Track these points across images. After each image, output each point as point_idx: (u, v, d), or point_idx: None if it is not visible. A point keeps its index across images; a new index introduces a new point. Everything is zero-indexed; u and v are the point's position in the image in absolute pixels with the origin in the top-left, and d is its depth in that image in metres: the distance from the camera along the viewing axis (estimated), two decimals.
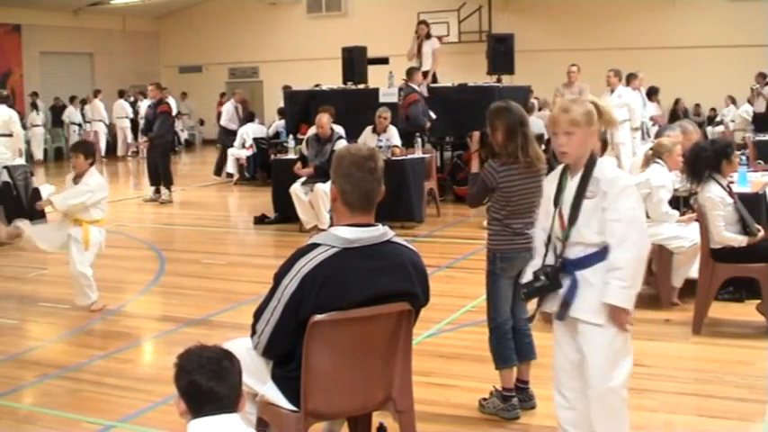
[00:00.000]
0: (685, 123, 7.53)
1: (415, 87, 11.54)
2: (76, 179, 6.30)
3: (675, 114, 17.18)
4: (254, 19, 23.49)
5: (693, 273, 5.90)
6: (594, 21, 19.25)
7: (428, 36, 12.67)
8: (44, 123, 19.88)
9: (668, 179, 6.15)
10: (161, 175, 12.49)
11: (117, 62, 23.58)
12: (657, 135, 7.91)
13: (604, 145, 9.44)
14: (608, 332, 3.27)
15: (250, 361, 2.98)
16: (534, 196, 4.04)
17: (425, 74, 12.47)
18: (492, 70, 13.08)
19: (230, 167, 15.14)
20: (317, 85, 13.87)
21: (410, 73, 11.83)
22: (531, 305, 3.48)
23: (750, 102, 15.60)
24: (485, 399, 4.22)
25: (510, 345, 4.13)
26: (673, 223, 6.14)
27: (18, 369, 5.11)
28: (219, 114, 17.35)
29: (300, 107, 12.96)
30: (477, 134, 4.27)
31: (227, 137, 15.77)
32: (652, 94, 12.68)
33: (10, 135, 10.19)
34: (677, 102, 18.00)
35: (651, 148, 6.32)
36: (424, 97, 11.47)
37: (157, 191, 12.49)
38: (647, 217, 6.12)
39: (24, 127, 14.48)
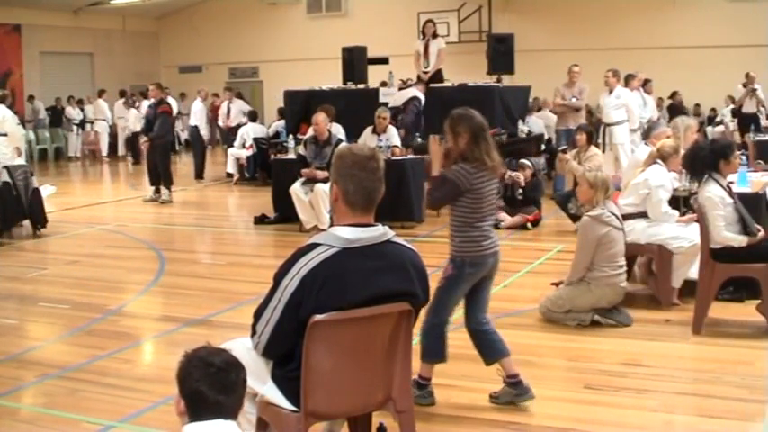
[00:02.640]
0: (679, 120, 7.53)
1: (416, 93, 11.53)
2: None
3: (674, 108, 17.16)
4: (254, 19, 23.49)
5: (693, 273, 5.90)
6: (594, 21, 19.25)
7: (434, 35, 12.67)
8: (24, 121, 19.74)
9: (667, 179, 6.16)
10: (161, 175, 12.49)
11: (117, 62, 23.57)
12: (648, 131, 7.91)
13: (589, 136, 9.48)
14: None
15: (250, 361, 2.97)
16: (494, 199, 4.24)
17: (436, 73, 12.47)
18: (492, 70, 13.08)
19: (230, 167, 15.13)
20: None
21: (417, 82, 11.87)
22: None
23: (740, 101, 15.59)
24: (494, 393, 4.29)
25: (441, 343, 4.22)
26: (673, 223, 6.14)
27: (18, 369, 5.10)
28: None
29: (300, 107, 12.97)
30: (434, 138, 4.28)
31: (198, 138, 15.59)
32: (644, 85, 12.68)
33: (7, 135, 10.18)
34: (674, 94, 17.95)
35: (657, 150, 6.30)
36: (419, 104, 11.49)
37: (157, 191, 12.49)
38: (647, 217, 6.15)
39: (24, 126, 14.44)
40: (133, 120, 18.86)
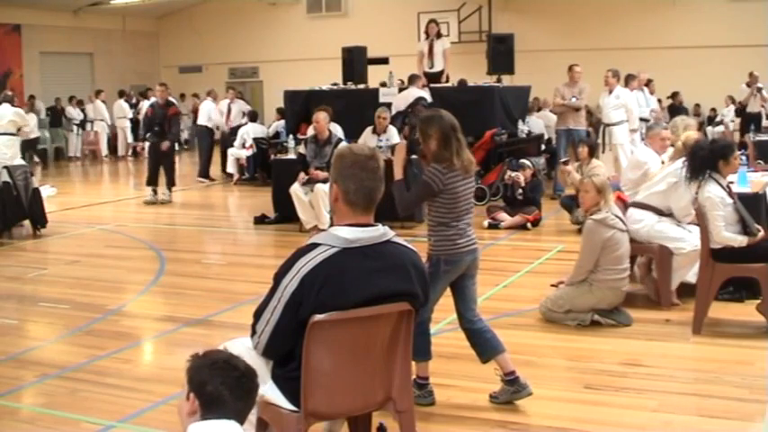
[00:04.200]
0: (678, 120, 7.51)
1: (421, 93, 11.48)
2: None
3: (674, 108, 17.16)
4: (254, 19, 23.50)
5: (691, 277, 5.89)
6: (594, 21, 19.26)
7: (438, 35, 12.65)
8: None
9: None
10: (166, 176, 12.45)
11: (117, 62, 23.58)
12: (648, 131, 7.90)
13: (591, 149, 9.45)
14: None
15: (250, 361, 2.96)
16: (471, 198, 4.24)
17: (441, 74, 12.44)
18: (492, 70, 13.08)
19: (230, 167, 15.12)
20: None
21: (412, 79, 11.80)
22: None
23: (745, 101, 15.58)
24: (494, 393, 4.29)
25: (425, 341, 4.21)
26: (684, 223, 6.08)
27: (18, 369, 5.10)
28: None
29: (300, 107, 12.97)
30: (401, 144, 4.34)
31: (207, 137, 15.55)
32: (646, 85, 12.69)
33: (11, 134, 10.18)
34: (675, 95, 17.95)
35: (683, 143, 6.22)
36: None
37: (155, 191, 12.47)
38: (661, 214, 6.09)
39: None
40: (33, 125, 18.83)
